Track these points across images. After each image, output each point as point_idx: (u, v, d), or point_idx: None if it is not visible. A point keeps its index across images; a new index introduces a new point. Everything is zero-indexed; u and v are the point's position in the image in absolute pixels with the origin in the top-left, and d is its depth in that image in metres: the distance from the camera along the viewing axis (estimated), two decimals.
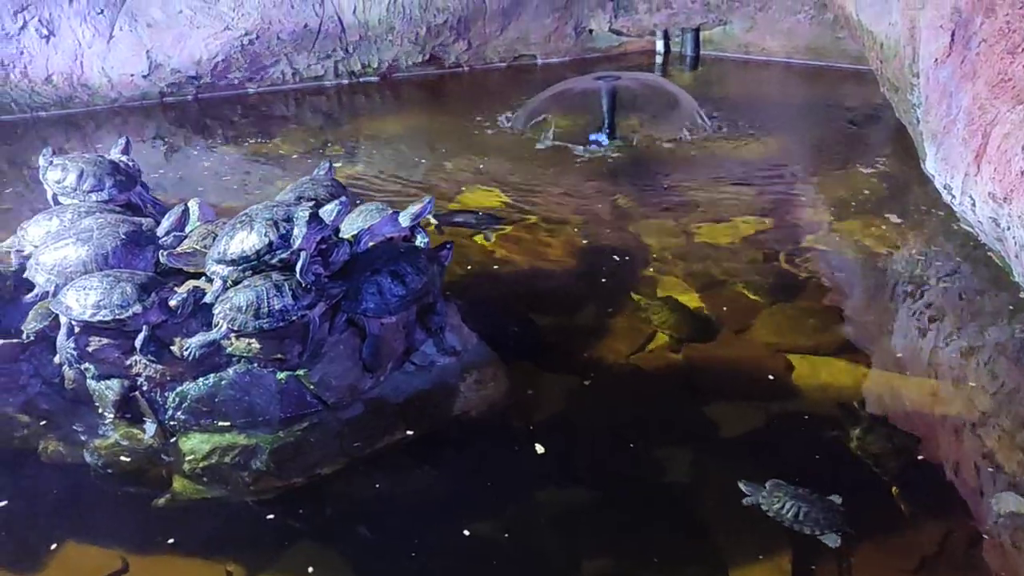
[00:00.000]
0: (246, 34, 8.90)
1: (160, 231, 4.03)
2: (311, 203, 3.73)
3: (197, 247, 4.02)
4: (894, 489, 3.61)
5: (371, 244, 4.01)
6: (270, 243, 3.61)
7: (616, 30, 10.59)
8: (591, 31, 10.55)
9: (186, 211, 4.10)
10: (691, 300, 5.11)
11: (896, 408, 4.21)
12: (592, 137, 7.77)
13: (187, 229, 4.17)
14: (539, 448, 3.85)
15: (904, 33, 5.84)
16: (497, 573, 3.29)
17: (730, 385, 4.40)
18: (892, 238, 5.86)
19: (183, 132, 8.43)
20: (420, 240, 4.15)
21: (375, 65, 9.64)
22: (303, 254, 3.60)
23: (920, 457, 3.79)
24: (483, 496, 3.64)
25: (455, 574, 3.29)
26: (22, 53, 8.29)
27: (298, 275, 3.61)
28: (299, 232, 3.59)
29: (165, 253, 3.94)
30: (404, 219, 4.07)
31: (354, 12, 9.28)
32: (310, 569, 3.29)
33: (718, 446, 3.94)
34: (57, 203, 4.47)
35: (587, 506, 3.60)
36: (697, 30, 10.54)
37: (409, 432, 3.91)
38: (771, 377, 4.40)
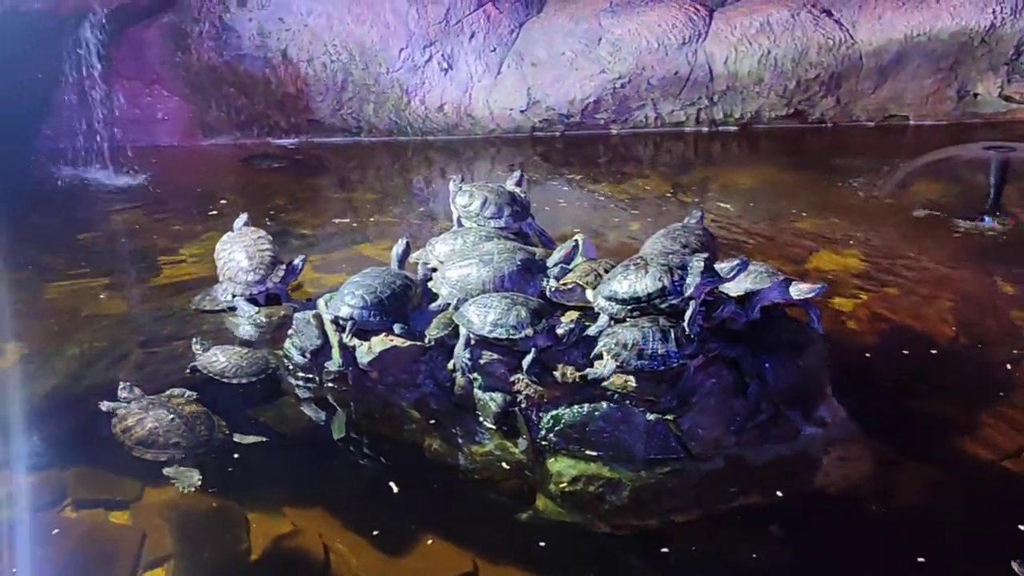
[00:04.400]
0: (619, 78, 9.30)
1: (550, 262, 4.32)
2: (705, 255, 3.82)
3: (579, 282, 4.27)
4: None
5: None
6: (663, 288, 3.75)
7: (1008, 96, 9.68)
8: (976, 95, 9.74)
9: (576, 246, 4.36)
10: None
11: None
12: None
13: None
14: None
15: None
16: None
17: None
18: None
19: (547, 166, 8.95)
20: (814, 316, 4.10)
21: (737, 115, 9.64)
22: (693, 303, 3.70)
23: None
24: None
25: None
26: (424, 83, 9.29)
27: (685, 324, 3.71)
28: (692, 281, 3.70)
29: (551, 288, 4.23)
30: (794, 291, 4.05)
31: (725, 62, 9.36)
32: None
33: None
34: (460, 225, 4.96)
35: None
36: None
37: (764, 496, 3.86)
38: None
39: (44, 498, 3.88)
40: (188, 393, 4.38)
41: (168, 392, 4.38)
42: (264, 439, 4.19)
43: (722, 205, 7.64)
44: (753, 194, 8.01)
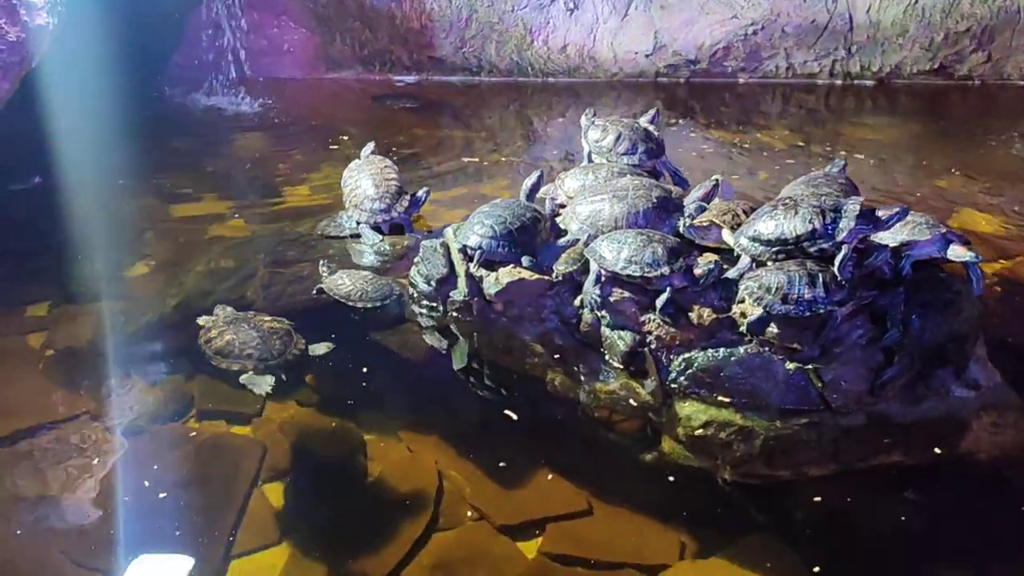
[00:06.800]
0: (752, 24, 8.91)
1: (688, 200, 4.14)
2: (861, 198, 3.57)
3: (715, 221, 4.08)
4: None
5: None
6: (813, 230, 3.53)
7: None
8: None
9: (716, 186, 4.16)
10: None
11: None
12: None
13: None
14: None
15: None
16: None
17: None
18: None
19: (669, 112, 8.66)
20: (974, 276, 3.85)
21: (875, 68, 9.13)
22: (845, 248, 3.47)
23: None
24: (965, 546, 3.31)
25: None
26: (548, 23, 9.09)
27: (836, 269, 3.50)
28: (846, 225, 3.47)
29: (686, 224, 4.06)
30: (951, 252, 3.77)
31: (867, 11, 8.85)
32: (767, 564, 3.19)
33: None
34: (591, 161, 4.81)
35: None
36: None
37: (906, 457, 3.65)
38: None
39: (171, 408, 3.96)
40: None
41: (252, 312, 4.50)
42: (335, 345, 4.28)
43: (856, 157, 7.23)
44: (889, 150, 7.60)
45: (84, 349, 4.36)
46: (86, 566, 3.14)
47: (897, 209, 3.54)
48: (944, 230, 3.79)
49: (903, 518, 3.40)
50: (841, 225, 3.49)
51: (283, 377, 4.11)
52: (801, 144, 7.69)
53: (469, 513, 3.43)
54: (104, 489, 3.47)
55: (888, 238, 3.68)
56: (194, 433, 3.81)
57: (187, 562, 3.15)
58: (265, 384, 4.03)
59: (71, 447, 3.69)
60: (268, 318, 4.40)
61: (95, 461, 3.61)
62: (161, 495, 3.45)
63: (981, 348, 3.88)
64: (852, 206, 3.49)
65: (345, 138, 7.55)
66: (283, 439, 3.79)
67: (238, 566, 3.18)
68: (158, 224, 5.74)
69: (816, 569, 3.16)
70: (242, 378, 4.07)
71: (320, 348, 4.28)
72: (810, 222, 3.54)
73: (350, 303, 4.60)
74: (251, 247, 5.38)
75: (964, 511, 3.49)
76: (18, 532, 3.28)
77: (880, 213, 3.53)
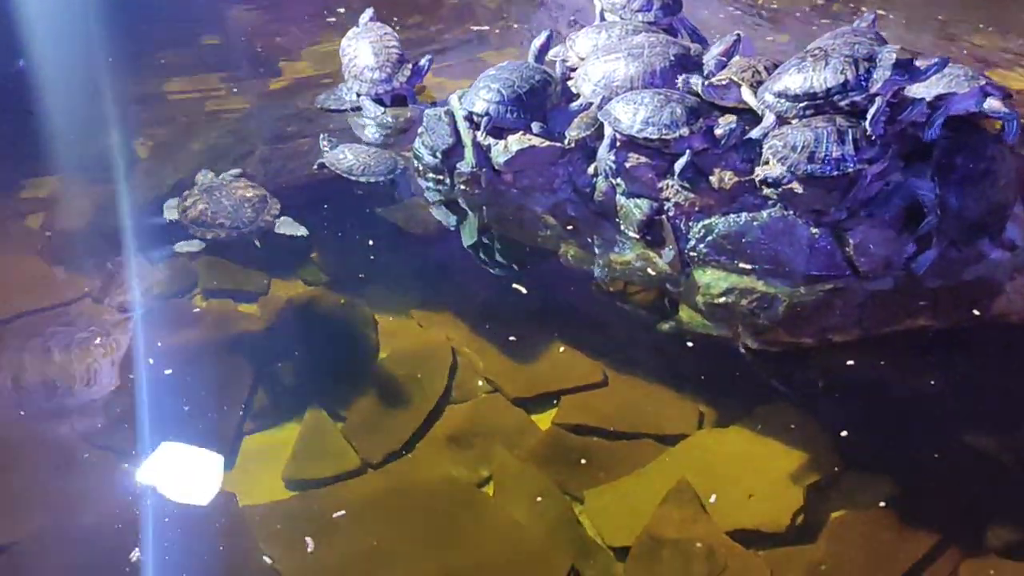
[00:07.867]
0: None
1: (707, 58, 3.90)
2: (897, 46, 3.32)
3: (735, 79, 3.84)
4: None
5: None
6: (845, 82, 3.30)
7: None
8: None
9: (737, 41, 3.90)
10: None
11: None
12: None
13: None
14: None
15: None
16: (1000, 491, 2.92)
17: None
18: None
19: None
20: (1010, 128, 3.62)
21: None
22: (879, 100, 3.24)
23: None
24: (993, 410, 3.24)
25: (944, 483, 2.98)
26: None
27: (867, 124, 3.28)
28: (881, 76, 3.23)
29: (704, 82, 3.82)
30: (988, 105, 3.54)
31: None
32: (791, 428, 3.13)
33: None
34: (603, 19, 4.52)
35: None
36: None
37: (935, 320, 3.53)
38: None
39: (175, 287, 3.87)
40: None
41: (233, 172, 4.44)
42: (305, 233, 4.14)
43: (883, 14, 6.85)
44: (918, 7, 7.18)
45: (84, 230, 4.26)
46: (95, 444, 3.10)
47: (935, 60, 3.29)
48: (983, 82, 3.54)
49: (932, 382, 3.33)
50: (876, 75, 3.25)
51: (256, 244, 4.06)
52: (822, 3, 7.31)
53: (482, 384, 3.37)
54: (109, 369, 3.42)
55: (923, 91, 3.44)
56: (199, 311, 3.73)
57: (200, 439, 3.10)
58: (193, 246, 4.05)
59: (74, 328, 3.61)
60: (243, 184, 4.31)
61: (98, 341, 3.54)
62: (167, 372, 3.39)
63: (1018, 207, 3.70)
64: (888, 54, 3.24)
65: (342, 10, 7.20)
66: (291, 318, 3.71)
67: (250, 442, 3.15)
68: (153, 102, 5.53)
69: (844, 434, 3.09)
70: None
71: (289, 230, 4.14)
72: (842, 73, 3.30)
73: (353, 178, 4.44)
74: (250, 123, 5.18)
75: (994, 375, 3.40)
76: (22, 413, 3.24)
77: (917, 62, 3.28)
